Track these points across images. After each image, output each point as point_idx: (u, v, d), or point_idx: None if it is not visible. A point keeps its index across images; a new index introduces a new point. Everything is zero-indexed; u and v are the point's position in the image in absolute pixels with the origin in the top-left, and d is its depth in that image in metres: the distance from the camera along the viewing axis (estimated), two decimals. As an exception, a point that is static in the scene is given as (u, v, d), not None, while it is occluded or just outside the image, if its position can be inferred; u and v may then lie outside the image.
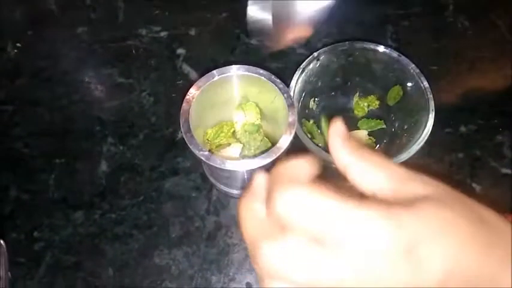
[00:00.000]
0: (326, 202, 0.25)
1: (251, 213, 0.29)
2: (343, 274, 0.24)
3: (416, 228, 0.24)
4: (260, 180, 0.31)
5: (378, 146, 0.61)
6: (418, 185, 0.27)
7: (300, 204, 0.25)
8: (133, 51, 0.72)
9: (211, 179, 0.60)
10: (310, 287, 0.25)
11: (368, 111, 0.64)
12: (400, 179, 0.28)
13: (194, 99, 0.48)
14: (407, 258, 0.24)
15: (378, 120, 0.63)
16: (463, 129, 0.64)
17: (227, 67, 0.50)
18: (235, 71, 0.50)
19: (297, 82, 0.56)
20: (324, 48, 0.58)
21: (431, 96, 0.54)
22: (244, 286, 0.55)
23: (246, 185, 0.55)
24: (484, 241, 0.26)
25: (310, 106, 0.62)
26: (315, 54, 0.58)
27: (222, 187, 0.59)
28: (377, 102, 0.63)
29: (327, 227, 0.25)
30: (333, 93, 0.64)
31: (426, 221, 0.25)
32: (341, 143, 0.30)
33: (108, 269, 0.56)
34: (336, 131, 0.31)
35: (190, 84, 0.67)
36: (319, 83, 0.61)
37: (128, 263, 0.57)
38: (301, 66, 0.57)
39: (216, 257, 0.57)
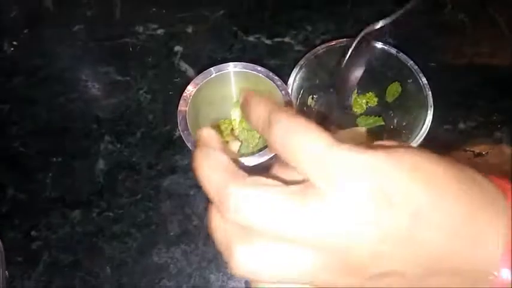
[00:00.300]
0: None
1: (212, 162, 0.27)
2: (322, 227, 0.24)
3: (388, 169, 0.24)
4: (208, 132, 0.31)
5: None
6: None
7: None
8: (130, 49, 0.72)
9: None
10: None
11: (366, 108, 0.63)
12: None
13: (191, 97, 0.48)
14: (380, 198, 0.23)
15: (377, 117, 0.62)
16: (462, 125, 0.64)
17: (224, 64, 0.50)
18: (232, 68, 0.50)
19: (295, 79, 0.56)
20: (322, 45, 0.58)
21: (430, 92, 0.54)
22: (243, 285, 0.55)
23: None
24: (472, 199, 0.25)
25: (309, 103, 0.61)
26: (313, 51, 0.57)
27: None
28: (375, 99, 0.62)
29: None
30: (331, 90, 0.64)
31: (398, 162, 0.24)
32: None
33: (106, 267, 0.56)
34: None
35: (188, 81, 0.66)
36: (317, 80, 0.60)
37: (126, 262, 0.56)
38: (299, 63, 0.57)
39: (215, 255, 0.57)
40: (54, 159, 0.63)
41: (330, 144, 0.24)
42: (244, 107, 0.31)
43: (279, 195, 0.24)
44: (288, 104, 0.48)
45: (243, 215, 0.24)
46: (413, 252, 0.24)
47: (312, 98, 0.62)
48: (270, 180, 0.25)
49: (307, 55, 0.57)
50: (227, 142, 0.55)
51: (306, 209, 0.24)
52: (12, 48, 0.72)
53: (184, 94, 0.48)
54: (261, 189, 0.25)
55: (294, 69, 0.56)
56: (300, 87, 0.57)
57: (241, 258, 0.25)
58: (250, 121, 0.30)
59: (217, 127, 0.55)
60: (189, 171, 0.62)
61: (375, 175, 0.23)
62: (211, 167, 0.27)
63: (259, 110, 0.29)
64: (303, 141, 0.25)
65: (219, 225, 0.27)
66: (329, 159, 0.24)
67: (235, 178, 0.26)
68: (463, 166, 0.26)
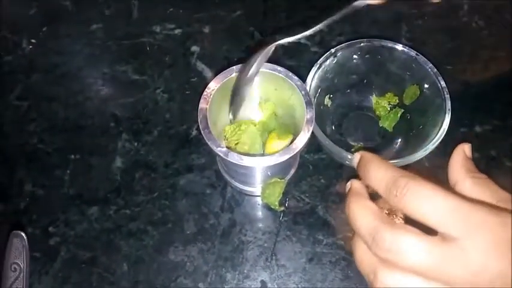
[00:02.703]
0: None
1: (366, 209, 0.35)
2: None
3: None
4: (358, 184, 0.39)
5: (395, 144, 0.61)
6: None
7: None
8: (148, 49, 0.73)
9: (226, 176, 0.60)
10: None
11: (389, 109, 0.63)
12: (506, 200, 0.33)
13: (212, 95, 0.48)
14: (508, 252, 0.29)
15: (394, 109, 0.62)
16: (478, 129, 0.64)
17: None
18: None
19: (313, 78, 0.56)
20: (341, 45, 0.58)
21: (448, 96, 0.54)
22: (259, 284, 0.55)
23: (263, 181, 0.56)
24: None
25: (325, 103, 0.62)
26: (332, 50, 0.58)
27: (237, 184, 0.59)
28: (395, 98, 0.62)
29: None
30: (348, 90, 0.64)
31: None
32: (461, 161, 0.37)
33: (123, 264, 0.57)
34: (460, 151, 0.38)
35: (204, 81, 0.67)
36: (335, 80, 0.60)
37: (143, 259, 0.57)
38: (318, 61, 0.57)
39: (231, 254, 0.57)
40: (72, 156, 0.63)
41: (455, 205, 0.30)
42: (362, 167, 0.38)
43: (423, 239, 0.31)
44: (308, 104, 0.48)
45: (389, 253, 0.32)
46: None
47: (329, 98, 0.62)
48: (413, 228, 0.32)
49: (326, 54, 0.58)
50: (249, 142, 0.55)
51: (448, 254, 0.30)
52: (30, 46, 0.73)
53: (204, 92, 0.48)
54: (410, 234, 0.31)
55: (313, 68, 0.57)
56: (317, 87, 0.58)
57: (384, 280, 0.32)
58: (370, 182, 0.36)
59: (237, 126, 0.55)
60: (205, 169, 0.62)
61: (505, 232, 0.29)
62: (366, 212, 0.35)
63: (381, 174, 0.35)
64: (433, 205, 0.31)
65: (365, 256, 0.34)
66: (458, 215, 0.30)
67: (387, 223, 0.33)
68: None
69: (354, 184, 0.39)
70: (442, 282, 0.30)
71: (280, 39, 0.48)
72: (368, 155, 0.38)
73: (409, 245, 0.31)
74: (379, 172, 0.35)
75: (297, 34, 0.48)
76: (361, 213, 0.35)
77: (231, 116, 0.53)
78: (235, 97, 0.50)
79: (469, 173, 0.36)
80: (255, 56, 0.48)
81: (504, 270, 0.29)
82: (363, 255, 0.35)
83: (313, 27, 0.48)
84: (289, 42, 0.72)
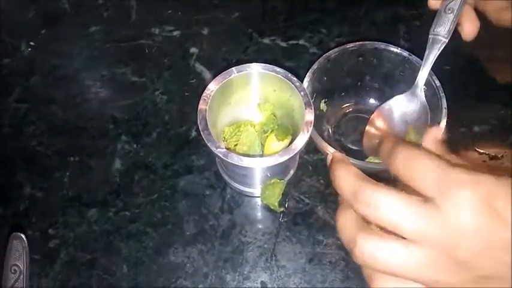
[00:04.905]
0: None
1: (347, 172, 0.36)
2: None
3: (493, 186, 0.29)
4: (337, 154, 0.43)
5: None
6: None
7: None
8: (146, 50, 0.73)
9: (226, 177, 0.60)
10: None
11: None
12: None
13: (211, 97, 0.48)
14: (486, 209, 0.29)
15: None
16: (476, 129, 0.64)
17: (245, 65, 0.50)
18: (252, 69, 0.50)
19: (308, 84, 0.56)
20: (334, 49, 0.58)
21: (443, 95, 0.54)
22: (259, 285, 0.55)
23: (263, 182, 0.56)
24: None
25: (321, 107, 0.62)
26: (326, 54, 0.58)
27: (236, 185, 0.59)
28: None
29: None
30: (343, 93, 0.64)
31: (503, 183, 0.29)
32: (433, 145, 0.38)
33: (122, 266, 0.56)
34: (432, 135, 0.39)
35: (203, 83, 0.67)
36: (330, 84, 0.60)
37: (143, 261, 0.57)
38: (313, 67, 0.57)
39: (231, 255, 0.57)
40: (71, 158, 0.63)
41: (444, 166, 0.31)
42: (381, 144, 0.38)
43: (404, 197, 0.31)
44: (307, 105, 0.48)
45: (374, 209, 0.32)
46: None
47: (324, 102, 0.62)
48: (395, 189, 0.32)
49: (320, 59, 0.57)
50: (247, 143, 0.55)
51: (425, 212, 0.30)
52: (29, 49, 0.73)
53: (204, 94, 0.49)
54: (391, 192, 0.32)
55: (308, 74, 0.56)
56: (313, 91, 0.57)
57: (363, 246, 0.32)
58: (381, 155, 0.37)
59: (237, 127, 0.55)
60: (205, 171, 0.62)
61: (483, 190, 0.29)
62: (346, 173, 0.36)
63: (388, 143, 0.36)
64: (422, 166, 0.32)
65: (347, 224, 0.35)
66: (444, 177, 0.30)
67: (371, 182, 0.34)
68: None
69: (335, 154, 0.43)
70: (422, 244, 0.30)
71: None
72: (389, 135, 0.41)
73: (388, 201, 0.31)
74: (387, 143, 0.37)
75: None
76: (344, 174, 0.36)
77: None
78: None
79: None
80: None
81: (480, 225, 0.29)
82: (344, 223, 0.35)
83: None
84: (287, 43, 0.73)
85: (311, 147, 0.62)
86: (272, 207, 0.56)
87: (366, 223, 0.34)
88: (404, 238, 0.31)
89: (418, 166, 0.32)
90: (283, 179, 0.56)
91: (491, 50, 0.71)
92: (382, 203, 0.31)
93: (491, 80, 0.69)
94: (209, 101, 0.48)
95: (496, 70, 0.69)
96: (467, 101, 0.66)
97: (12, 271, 0.47)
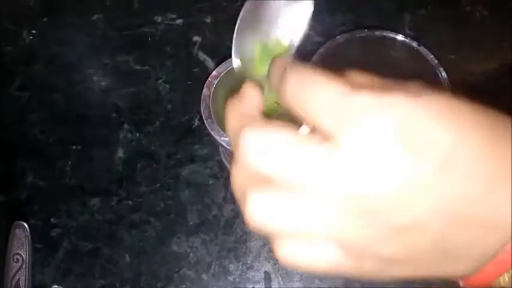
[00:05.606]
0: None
1: (236, 112, 0.28)
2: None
3: (409, 108, 0.22)
4: (249, 88, 0.31)
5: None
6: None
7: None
8: (149, 39, 0.72)
9: (229, 167, 0.59)
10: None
11: None
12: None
13: (215, 85, 0.48)
14: (402, 140, 0.21)
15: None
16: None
17: (248, 53, 0.49)
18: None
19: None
20: (342, 35, 0.57)
21: (449, 87, 0.54)
22: (262, 275, 0.55)
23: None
24: (488, 132, 0.23)
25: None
26: (332, 40, 0.57)
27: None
28: None
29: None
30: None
31: (421, 103, 0.22)
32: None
33: (125, 255, 0.56)
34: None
35: (206, 71, 0.67)
36: (335, 70, 0.60)
37: (146, 250, 0.57)
38: (318, 52, 0.56)
39: (234, 245, 0.57)
40: (74, 147, 0.63)
41: (344, 90, 0.23)
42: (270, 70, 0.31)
43: (290, 138, 0.23)
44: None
45: (254, 159, 0.24)
46: (438, 201, 0.22)
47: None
48: (286, 127, 0.24)
49: (325, 45, 0.57)
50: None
51: (320, 154, 0.22)
52: (31, 37, 0.72)
53: (207, 82, 0.48)
54: (272, 133, 0.24)
55: (313, 59, 0.56)
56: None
57: (255, 205, 0.24)
58: (271, 83, 0.30)
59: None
60: (208, 160, 0.62)
61: (396, 115, 0.22)
62: (233, 113, 0.28)
63: (277, 69, 0.29)
64: (314, 91, 0.24)
65: (236, 173, 0.26)
66: (344, 104, 0.23)
67: (252, 121, 0.25)
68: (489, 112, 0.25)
69: (245, 87, 0.31)
70: (325, 195, 0.22)
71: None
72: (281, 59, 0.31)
73: (276, 146, 0.23)
74: (276, 67, 0.30)
75: None
76: (229, 114, 0.28)
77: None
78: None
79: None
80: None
81: (396, 162, 0.21)
82: (235, 176, 0.26)
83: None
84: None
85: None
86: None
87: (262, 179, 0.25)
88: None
89: (310, 93, 0.24)
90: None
91: (496, 40, 0.70)
92: (270, 149, 0.23)
93: (496, 69, 0.68)
94: (212, 89, 0.48)
95: (501, 59, 0.69)
96: (473, 90, 0.65)
97: (15, 260, 0.47)
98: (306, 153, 0.23)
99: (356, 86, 0.23)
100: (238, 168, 0.25)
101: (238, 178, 0.26)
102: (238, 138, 0.24)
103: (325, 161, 0.22)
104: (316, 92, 0.24)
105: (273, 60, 0.31)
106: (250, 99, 0.30)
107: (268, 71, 0.31)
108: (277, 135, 0.24)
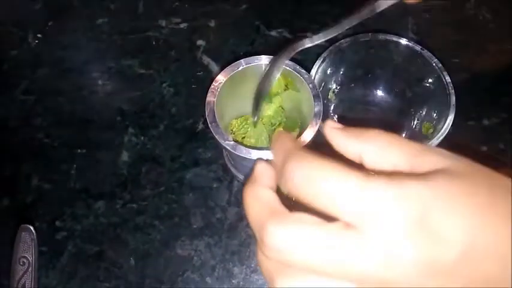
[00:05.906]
0: (336, 179, 0.24)
1: (256, 200, 0.29)
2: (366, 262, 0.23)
3: (426, 198, 0.23)
4: (261, 167, 0.31)
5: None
6: (435, 158, 0.26)
7: (310, 180, 0.25)
8: (153, 43, 0.73)
9: (233, 170, 0.60)
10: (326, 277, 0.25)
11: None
12: (415, 153, 0.27)
13: (219, 89, 0.48)
14: (421, 231, 0.23)
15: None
16: (486, 122, 0.64)
17: (253, 57, 0.50)
18: (261, 61, 0.50)
19: (317, 72, 0.56)
20: (346, 39, 0.58)
21: (453, 91, 0.53)
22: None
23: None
24: (505, 212, 0.24)
25: (329, 97, 0.61)
26: (337, 44, 0.57)
27: (244, 178, 0.59)
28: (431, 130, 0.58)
29: (338, 208, 0.24)
30: (352, 84, 0.63)
31: (437, 191, 0.23)
32: (344, 135, 0.32)
33: (130, 258, 0.57)
34: (331, 126, 0.32)
35: (210, 75, 0.67)
36: (340, 74, 0.60)
37: (150, 253, 0.57)
38: (322, 55, 0.57)
39: (238, 248, 0.57)
40: (79, 150, 0.63)
41: (360, 182, 0.24)
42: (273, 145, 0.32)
43: (318, 229, 0.24)
44: (316, 97, 0.48)
45: (280, 254, 0.25)
46: (460, 284, 0.23)
47: (333, 92, 0.61)
48: (307, 217, 0.25)
49: (329, 48, 0.57)
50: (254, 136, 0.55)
51: (345, 246, 0.23)
52: (36, 41, 0.73)
53: (212, 86, 0.48)
54: (300, 225, 0.25)
55: (317, 62, 0.56)
56: (321, 80, 0.57)
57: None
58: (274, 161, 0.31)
59: (244, 120, 0.55)
60: (212, 163, 0.62)
61: (416, 208, 0.23)
62: (255, 203, 0.28)
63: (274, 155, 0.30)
64: (327, 183, 0.25)
65: (263, 259, 0.27)
66: (362, 197, 0.24)
67: (274, 216, 0.26)
68: (494, 176, 0.26)
69: (258, 167, 0.32)
70: (353, 280, 0.24)
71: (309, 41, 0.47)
72: (280, 133, 0.33)
73: (300, 240, 0.24)
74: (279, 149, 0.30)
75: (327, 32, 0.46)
76: (250, 204, 0.29)
77: (255, 118, 0.51)
78: (259, 99, 0.48)
79: (361, 140, 0.31)
80: (281, 56, 0.48)
81: (418, 256, 0.22)
82: (261, 259, 0.28)
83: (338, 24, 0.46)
84: (295, 36, 0.72)
85: (319, 140, 0.62)
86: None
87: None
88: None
89: (321, 186, 0.25)
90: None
91: (500, 43, 0.70)
92: (293, 245, 0.25)
93: (500, 72, 0.68)
94: (217, 93, 0.48)
95: (504, 63, 0.69)
96: (476, 93, 0.65)
97: (21, 263, 0.47)
98: (333, 246, 0.24)
99: (370, 176, 0.24)
100: (265, 258, 0.27)
101: (264, 264, 0.27)
102: (263, 232, 0.26)
103: (349, 252, 0.23)
104: (329, 184, 0.25)
105: (277, 136, 0.32)
106: (265, 180, 0.31)
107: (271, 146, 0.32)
108: (301, 229, 0.25)
